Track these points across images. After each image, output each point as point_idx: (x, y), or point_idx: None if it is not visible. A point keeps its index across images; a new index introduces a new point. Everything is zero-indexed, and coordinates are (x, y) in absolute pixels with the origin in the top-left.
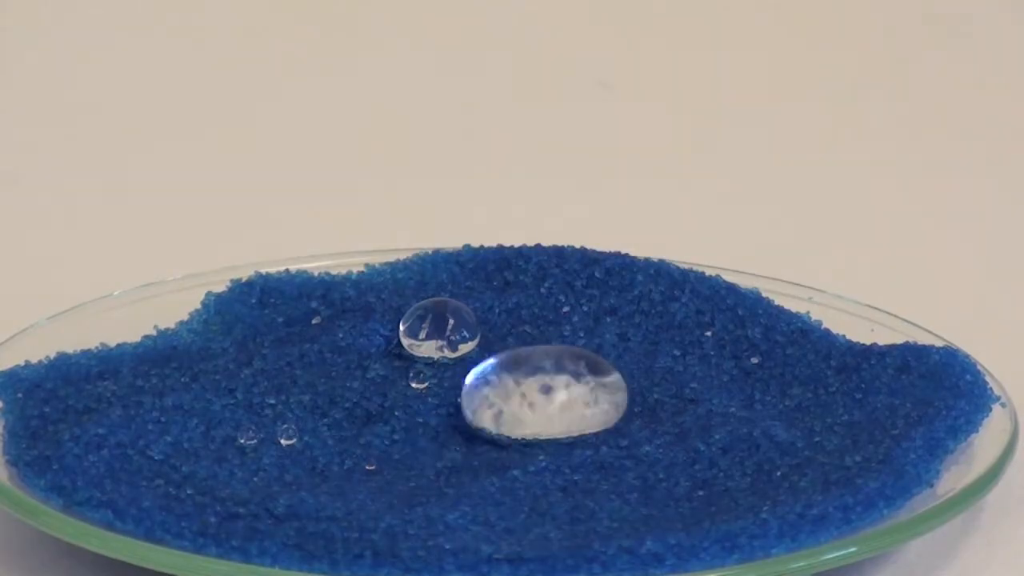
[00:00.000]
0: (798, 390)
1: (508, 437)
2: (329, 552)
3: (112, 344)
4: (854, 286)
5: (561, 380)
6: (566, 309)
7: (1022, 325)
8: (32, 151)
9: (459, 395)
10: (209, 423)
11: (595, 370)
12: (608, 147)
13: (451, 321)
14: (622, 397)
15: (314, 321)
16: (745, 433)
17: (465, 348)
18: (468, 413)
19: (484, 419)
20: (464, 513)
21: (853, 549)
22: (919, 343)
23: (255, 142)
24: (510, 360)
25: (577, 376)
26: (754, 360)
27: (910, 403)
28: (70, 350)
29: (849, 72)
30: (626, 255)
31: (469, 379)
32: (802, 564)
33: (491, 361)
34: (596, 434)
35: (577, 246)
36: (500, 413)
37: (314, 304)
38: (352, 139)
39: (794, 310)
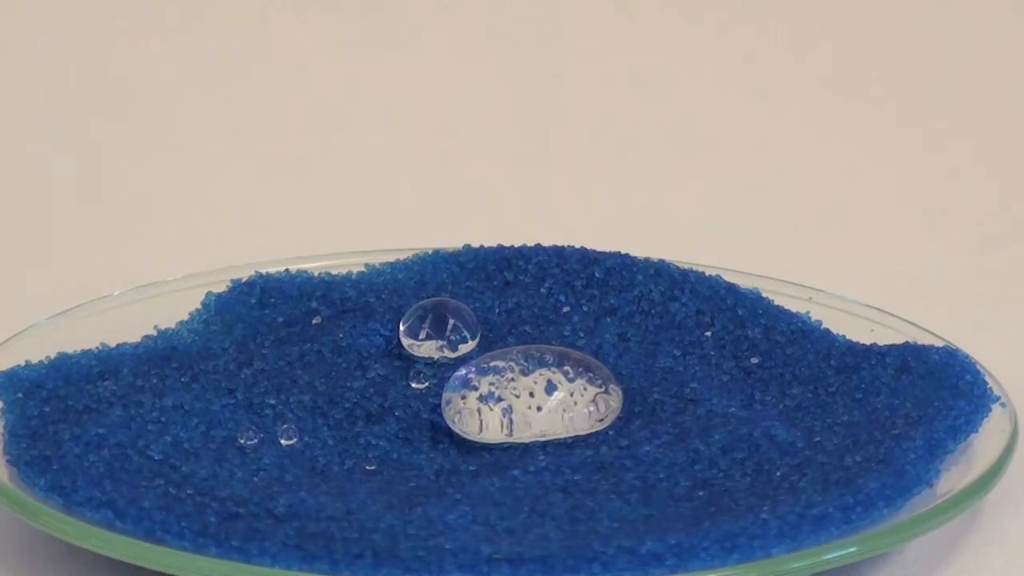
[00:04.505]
0: (798, 390)
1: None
2: (329, 552)
3: (112, 344)
4: (854, 286)
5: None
6: (566, 309)
7: (1022, 325)
8: (32, 151)
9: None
10: (209, 423)
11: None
12: (608, 147)
13: (451, 321)
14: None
15: (314, 321)
16: (745, 433)
17: (465, 348)
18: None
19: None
20: (464, 513)
21: (853, 549)
22: (919, 343)
23: (255, 142)
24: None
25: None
26: (754, 360)
27: (910, 403)
28: (70, 350)
29: (849, 72)
30: (626, 255)
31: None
32: (802, 564)
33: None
34: (596, 434)
35: (577, 246)
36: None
37: (314, 304)
38: (352, 139)
39: (794, 310)
